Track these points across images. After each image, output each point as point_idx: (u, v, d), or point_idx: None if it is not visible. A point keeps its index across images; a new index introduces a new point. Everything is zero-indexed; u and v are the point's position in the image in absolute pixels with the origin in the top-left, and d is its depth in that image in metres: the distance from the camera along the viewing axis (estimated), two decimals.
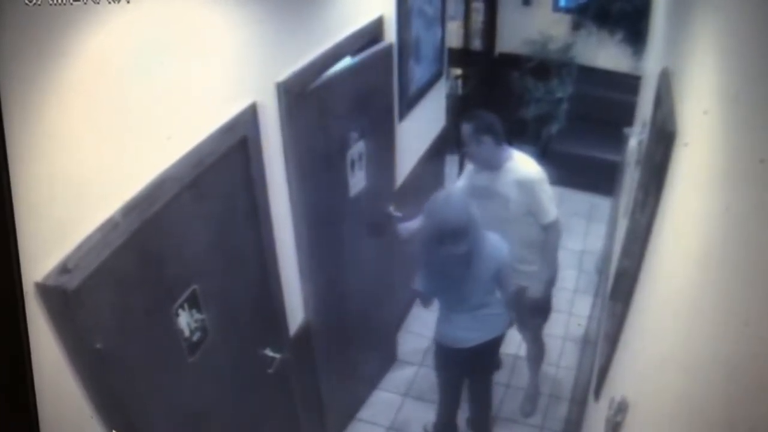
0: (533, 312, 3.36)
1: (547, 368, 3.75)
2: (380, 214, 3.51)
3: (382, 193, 3.50)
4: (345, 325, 3.49)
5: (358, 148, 3.11)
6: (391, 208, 3.57)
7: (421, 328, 4.36)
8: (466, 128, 3.17)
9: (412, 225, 3.40)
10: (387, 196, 3.55)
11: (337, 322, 3.37)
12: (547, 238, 3.24)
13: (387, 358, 4.12)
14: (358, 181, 3.18)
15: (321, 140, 2.84)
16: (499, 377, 3.61)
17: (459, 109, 5.48)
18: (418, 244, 3.06)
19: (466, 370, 3.18)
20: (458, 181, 3.55)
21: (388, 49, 3.26)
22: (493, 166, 3.17)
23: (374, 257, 3.74)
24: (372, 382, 3.97)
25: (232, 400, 2.46)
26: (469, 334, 2.98)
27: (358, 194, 3.20)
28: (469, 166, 3.39)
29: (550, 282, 3.32)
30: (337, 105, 2.92)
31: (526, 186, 3.14)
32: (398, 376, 4.02)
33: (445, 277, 2.90)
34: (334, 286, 3.26)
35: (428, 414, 3.75)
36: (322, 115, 2.81)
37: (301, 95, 2.53)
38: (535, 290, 3.23)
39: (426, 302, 3.14)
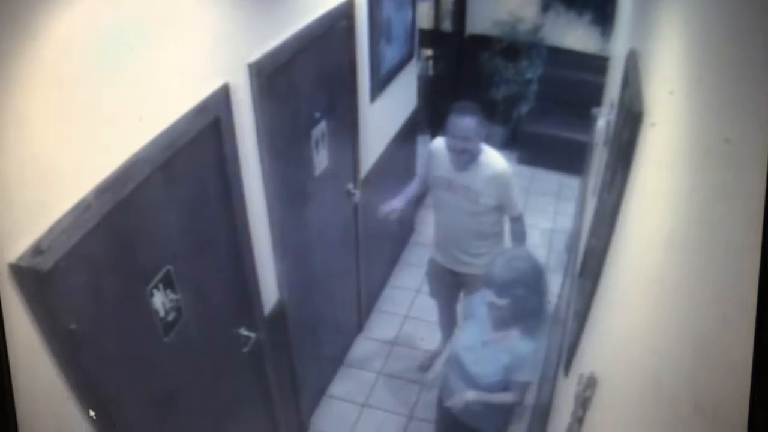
0: None
1: None
2: (341, 192, 3.52)
3: (344, 173, 3.51)
4: (317, 304, 3.51)
5: (320, 127, 3.10)
6: (350, 186, 3.57)
7: (393, 308, 4.39)
8: (467, 122, 3.04)
9: (398, 202, 3.40)
10: (347, 175, 3.56)
11: (310, 300, 3.38)
12: (517, 229, 3.29)
13: (359, 335, 4.15)
14: (321, 160, 3.17)
15: (291, 120, 2.83)
16: None
17: (430, 90, 5.49)
18: None
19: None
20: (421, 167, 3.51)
21: (348, 27, 3.24)
22: (472, 159, 3.13)
23: (346, 237, 3.75)
24: (345, 360, 3.99)
25: (207, 379, 2.46)
26: None
27: (321, 174, 3.20)
28: (432, 153, 3.33)
29: None
30: (304, 85, 2.91)
31: (499, 181, 3.14)
32: (371, 354, 4.05)
33: None
34: (307, 265, 3.27)
35: (402, 391, 3.78)
36: (292, 96, 2.80)
37: (273, 76, 2.52)
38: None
39: None
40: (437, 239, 3.49)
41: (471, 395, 2.64)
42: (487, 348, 2.62)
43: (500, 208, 3.21)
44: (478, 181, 3.13)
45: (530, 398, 3.60)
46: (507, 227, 3.34)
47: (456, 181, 3.17)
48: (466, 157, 3.10)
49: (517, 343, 2.55)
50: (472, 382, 2.63)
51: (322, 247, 3.42)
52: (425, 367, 3.95)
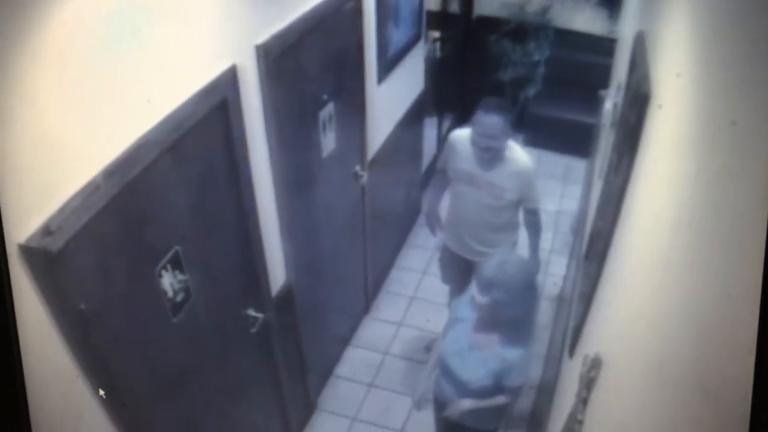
0: None
1: None
2: (348, 174, 3.52)
3: (351, 155, 3.50)
4: (324, 285, 3.52)
5: (328, 109, 3.09)
6: (358, 168, 3.56)
7: (400, 289, 4.40)
8: (495, 120, 2.97)
9: (435, 208, 3.46)
10: (355, 157, 3.55)
11: (317, 281, 3.39)
12: (533, 221, 3.27)
13: (366, 316, 4.17)
14: (329, 142, 3.17)
15: (298, 102, 2.83)
16: None
17: (438, 72, 5.47)
18: None
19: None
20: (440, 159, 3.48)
21: (355, 9, 3.22)
22: (498, 156, 3.07)
23: (353, 219, 3.76)
24: (352, 341, 4.01)
25: (215, 359, 2.48)
26: None
27: (329, 156, 3.20)
28: (452, 145, 3.28)
29: (537, 256, 3.39)
30: (311, 67, 2.90)
31: (523, 176, 3.12)
32: (377, 335, 4.06)
33: None
34: (314, 246, 3.28)
35: (408, 372, 3.80)
36: (299, 77, 2.79)
37: (280, 57, 2.52)
38: None
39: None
40: (451, 228, 3.47)
41: (466, 404, 2.64)
42: (473, 352, 2.60)
43: (520, 202, 3.19)
44: (502, 177, 3.10)
45: (535, 379, 3.62)
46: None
47: (480, 176, 3.14)
48: (490, 155, 3.05)
49: (503, 350, 2.54)
50: (463, 387, 2.63)
51: (329, 229, 3.43)
52: (431, 348, 3.97)
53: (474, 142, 3.05)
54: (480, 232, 3.33)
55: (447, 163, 3.30)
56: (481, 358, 2.58)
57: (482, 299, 2.48)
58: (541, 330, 3.86)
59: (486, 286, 2.47)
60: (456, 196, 3.38)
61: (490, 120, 2.97)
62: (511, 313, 2.50)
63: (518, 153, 3.12)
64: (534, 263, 3.29)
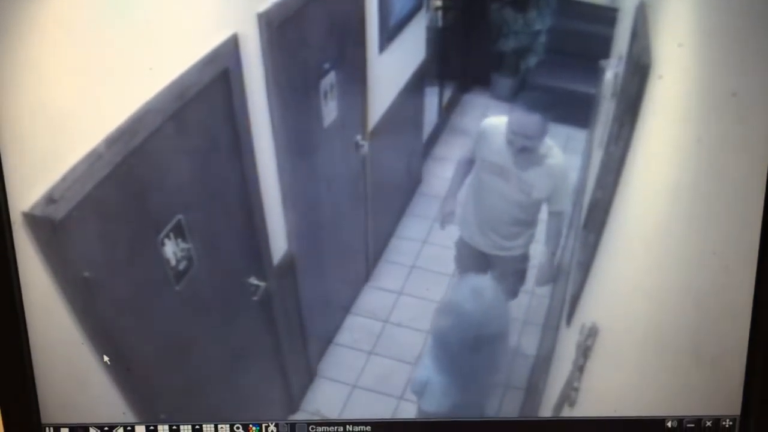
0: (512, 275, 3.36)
1: (521, 295, 3.80)
2: (349, 144, 3.50)
3: (352, 124, 3.48)
4: (325, 253, 3.52)
5: (329, 78, 3.07)
6: (359, 138, 3.53)
7: (400, 258, 4.40)
8: (534, 120, 2.77)
9: (452, 202, 3.31)
10: (356, 126, 3.53)
11: (318, 250, 3.39)
12: (554, 225, 3.07)
13: (367, 285, 4.18)
14: (330, 111, 3.15)
15: (300, 71, 2.81)
16: None
17: (439, 41, 5.42)
18: None
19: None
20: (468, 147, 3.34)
21: None
22: (530, 154, 2.87)
23: (354, 188, 3.75)
24: (353, 309, 4.02)
25: (218, 326, 2.49)
26: None
27: (330, 125, 3.18)
28: (484, 133, 3.00)
29: (552, 262, 3.22)
30: (313, 35, 2.87)
31: (557, 178, 2.93)
32: (377, 303, 4.07)
33: None
34: (315, 215, 3.28)
35: (408, 340, 3.82)
36: (302, 46, 2.77)
37: (282, 26, 2.50)
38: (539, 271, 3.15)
39: None
40: (468, 218, 3.37)
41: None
42: None
43: (547, 201, 3.08)
44: (536, 176, 2.92)
45: (532, 348, 3.64)
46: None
47: (511, 171, 2.96)
48: (526, 155, 2.86)
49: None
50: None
51: (330, 197, 3.42)
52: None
53: (509, 141, 2.85)
54: (500, 225, 3.25)
55: (477, 153, 3.19)
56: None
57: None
58: (539, 299, 3.87)
59: (445, 307, 2.44)
60: (481, 187, 3.17)
61: (530, 119, 2.77)
62: (456, 338, 2.47)
63: (556, 153, 2.93)
64: (549, 271, 3.14)
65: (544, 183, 3.00)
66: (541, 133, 2.84)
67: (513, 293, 3.39)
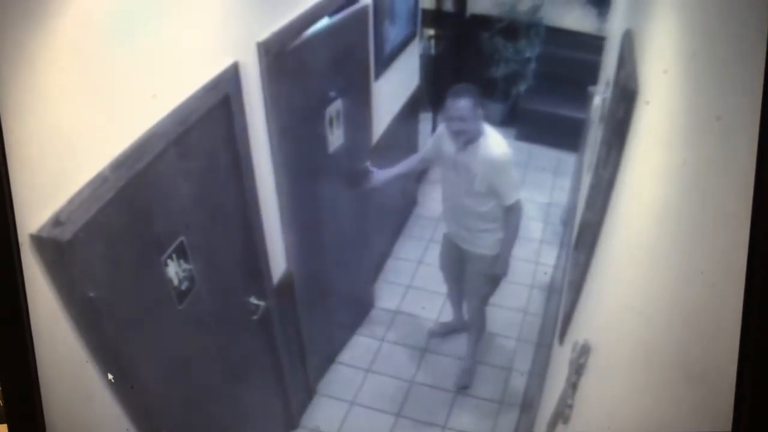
0: (485, 278, 3.40)
1: (515, 314, 3.80)
2: (358, 168, 3.51)
3: (360, 149, 3.50)
4: (324, 274, 3.52)
5: (335, 106, 3.09)
6: (368, 164, 3.56)
7: (397, 278, 4.40)
8: (463, 104, 3.07)
9: (386, 173, 3.40)
10: (364, 152, 3.55)
11: (317, 271, 3.39)
12: (510, 220, 3.23)
13: (365, 304, 4.17)
14: (336, 137, 3.17)
15: (301, 98, 2.83)
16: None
17: (432, 68, 5.45)
18: None
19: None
20: (427, 144, 3.49)
21: (364, 10, 3.22)
22: (468, 141, 3.10)
23: (352, 210, 3.76)
24: (351, 328, 4.01)
25: (219, 345, 2.49)
26: None
27: (336, 150, 3.20)
28: (441, 132, 3.30)
29: (506, 258, 3.34)
30: (315, 64, 2.89)
31: (493, 165, 3.10)
32: (376, 322, 4.07)
33: None
34: (314, 237, 3.28)
35: (404, 357, 3.81)
36: (302, 74, 2.79)
37: (281, 54, 2.51)
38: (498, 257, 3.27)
39: None
40: (444, 213, 3.49)
41: None
42: None
43: (493, 193, 3.18)
44: (474, 162, 3.10)
45: (526, 365, 3.63)
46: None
47: (458, 160, 3.15)
48: (463, 138, 3.08)
49: None
50: None
51: (331, 220, 3.42)
52: (435, 333, 3.95)
53: (448, 128, 3.11)
54: (464, 218, 3.32)
55: (437, 150, 3.31)
56: None
57: None
58: (532, 317, 3.86)
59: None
60: (442, 180, 3.39)
61: (459, 104, 3.04)
62: None
63: (492, 140, 3.11)
64: (502, 263, 3.28)
65: (481, 171, 3.10)
66: (472, 115, 3.03)
67: (483, 297, 3.47)
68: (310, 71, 2.86)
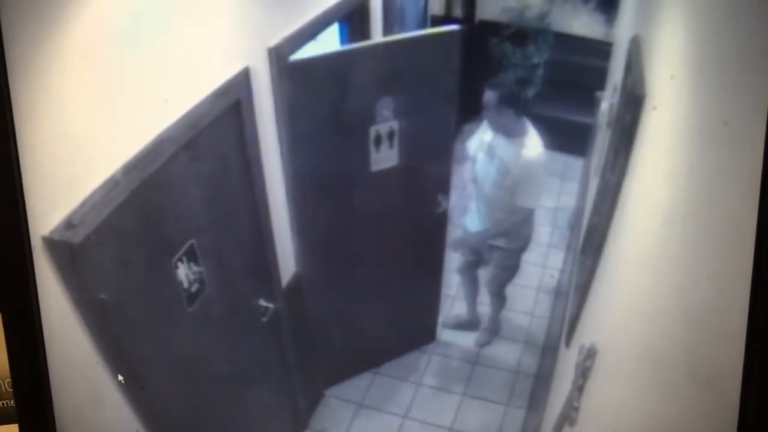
0: (503, 269, 3.42)
1: (522, 317, 3.79)
2: (426, 196, 3.36)
3: (428, 177, 3.33)
4: (334, 278, 3.50)
5: (388, 125, 2.97)
6: (440, 197, 3.43)
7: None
8: (490, 96, 3.23)
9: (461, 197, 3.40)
10: (438, 183, 3.36)
11: (326, 271, 3.37)
12: (523, 219, 3.31)
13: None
14: (385, 157, 3.04)
15: (323, 107, 2.77)
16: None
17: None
18: None
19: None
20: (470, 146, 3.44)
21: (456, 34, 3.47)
22: (508, 134, 3.17)
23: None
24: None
25: (228, 347, 2.48)
26: None
27: (383, 170, 3.06)
28: (484, 123, 3.33)
29: (522, 248, 3.40)
30: (355, 78, 2.81)
31: (525, 165, 3.14)
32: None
33: None
34: (324, 242, 3.27)
35: (411, 360, 3.79)
36: (329, 85, 2.73)
37: (295, 62, 2.51)
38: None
39: None
40: (473, 206, 3.46)
41: None
42: None
43: (517, 193, 3.19)
44: (511, 156, 3.16)
45: (532, 368, 3.61)
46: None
47: (497, 150, 3.20)
48: (496, 127, 3.19)
49: None
50: None
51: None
52: (447, 324, 3.91)
53: (490, 121, 3.19)
54: (491, 211, 3.31)
55: (475, 149, 3.31)
56: None
57: None
58: (539, 320, 3.85)
59: None
60: (476, 169, 3.36)
61: (487, 95, 3.26)
62: None
63: (532, 141, 3.18)
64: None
65: (513, 167, 3.14)
66: (498, 102, 3.21)
67: (500, 285, 3.52)
68: (344, 84, 2.79)
